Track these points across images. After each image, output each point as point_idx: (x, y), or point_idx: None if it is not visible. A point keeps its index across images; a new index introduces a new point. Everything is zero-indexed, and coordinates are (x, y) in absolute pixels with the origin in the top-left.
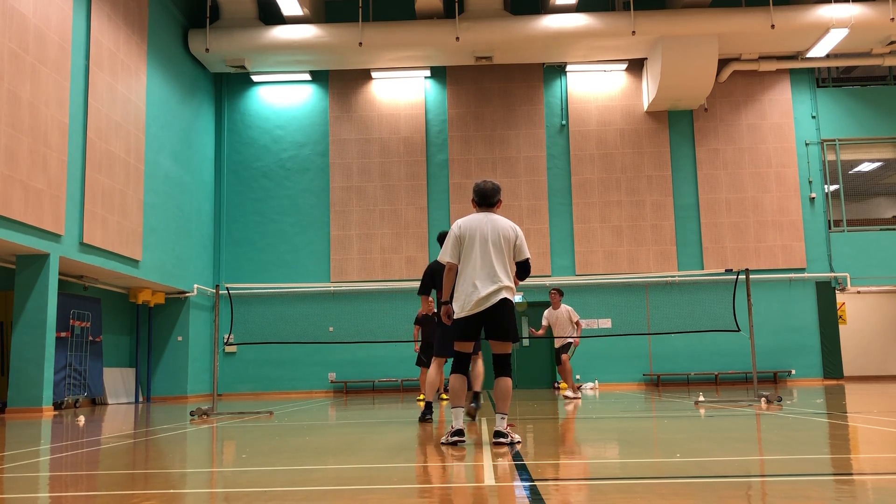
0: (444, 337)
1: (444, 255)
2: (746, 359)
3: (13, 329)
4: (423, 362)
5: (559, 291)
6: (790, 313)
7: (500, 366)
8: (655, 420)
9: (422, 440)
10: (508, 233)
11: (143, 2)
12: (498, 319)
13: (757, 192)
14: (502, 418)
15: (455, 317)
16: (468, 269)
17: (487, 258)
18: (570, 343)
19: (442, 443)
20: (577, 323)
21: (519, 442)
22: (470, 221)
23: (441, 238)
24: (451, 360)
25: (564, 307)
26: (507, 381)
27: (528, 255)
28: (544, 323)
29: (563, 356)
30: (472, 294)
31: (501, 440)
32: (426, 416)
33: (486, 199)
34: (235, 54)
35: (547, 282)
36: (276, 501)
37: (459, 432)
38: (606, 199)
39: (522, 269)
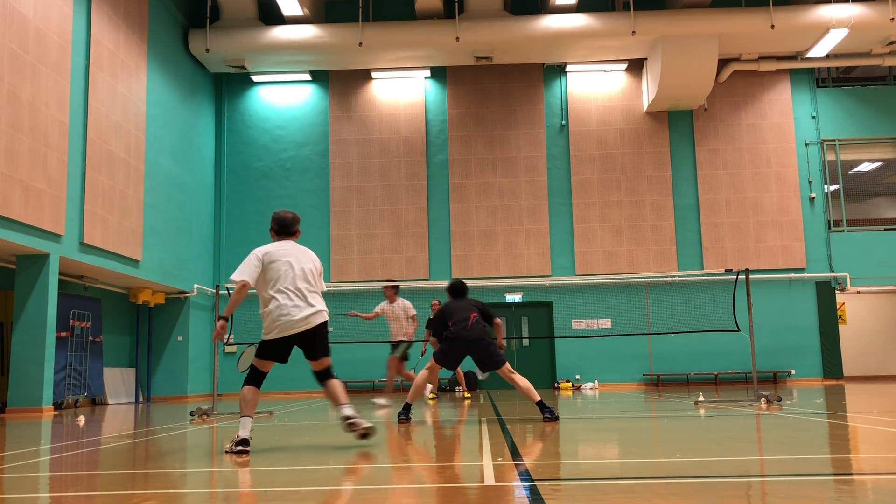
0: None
1: None
2: (746, 359)
3: (13, 329)
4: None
5: (394, 287)
6: (790, 313)
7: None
8: (655, 420)
9: (422, 440)
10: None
11: (143, 2)
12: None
13: (757, 192)
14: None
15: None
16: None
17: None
18: (403, 342)
19: (226, 451)
20: (413, 318)
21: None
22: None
23: (453, 289)
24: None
25: (402, 301)
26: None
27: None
28: (377, 310)
29: (392, 356)
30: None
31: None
32: (403, 416)
33: (287, 227)
34: (235, 54)
35: (547, 282)
36: (276, 501)
37: (244, 441)
38: (606, 199)
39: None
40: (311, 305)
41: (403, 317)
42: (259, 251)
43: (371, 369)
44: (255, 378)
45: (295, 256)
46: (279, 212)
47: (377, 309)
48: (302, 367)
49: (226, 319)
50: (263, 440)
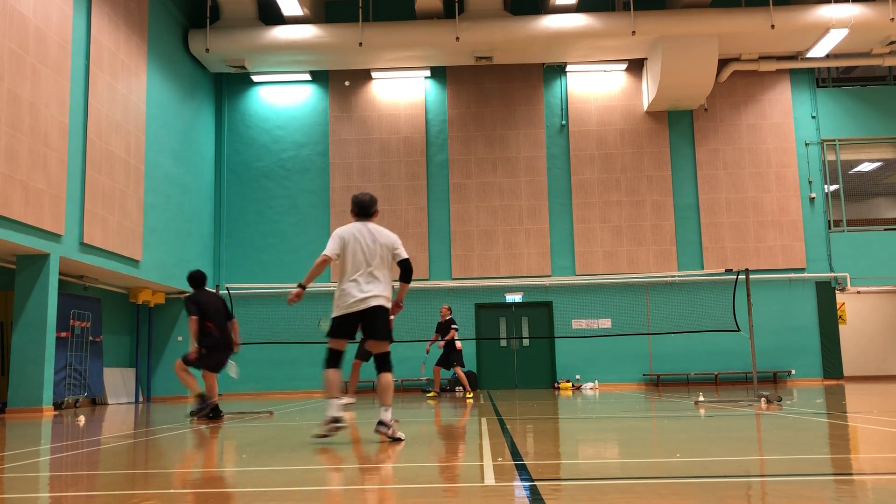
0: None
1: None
2: (746, 359)
3: (13, 329)
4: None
5: None
6: (790, 313)
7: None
8: (655, 420)
9: (422, 440)
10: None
11: (143, 2)
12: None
13: (757, 192)
14: (386, 410)
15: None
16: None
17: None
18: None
19: (319, 434)
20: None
21: (402, 439)
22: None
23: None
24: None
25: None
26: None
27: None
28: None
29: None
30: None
31: (382, 429)
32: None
33: (365, 209)
34: (235, 54)
35: (547, 282)
36: (276, 501)
37: (336, 419)
38: (606, 199)
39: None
40: (371, 288)
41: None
42: (338, 231)
43: (371, 369)
44: (333, 360)
45: (365, 240)
46: (357, 195)
47: None
48: (302, 368)
49: (303, 287)
50: (263, 440)
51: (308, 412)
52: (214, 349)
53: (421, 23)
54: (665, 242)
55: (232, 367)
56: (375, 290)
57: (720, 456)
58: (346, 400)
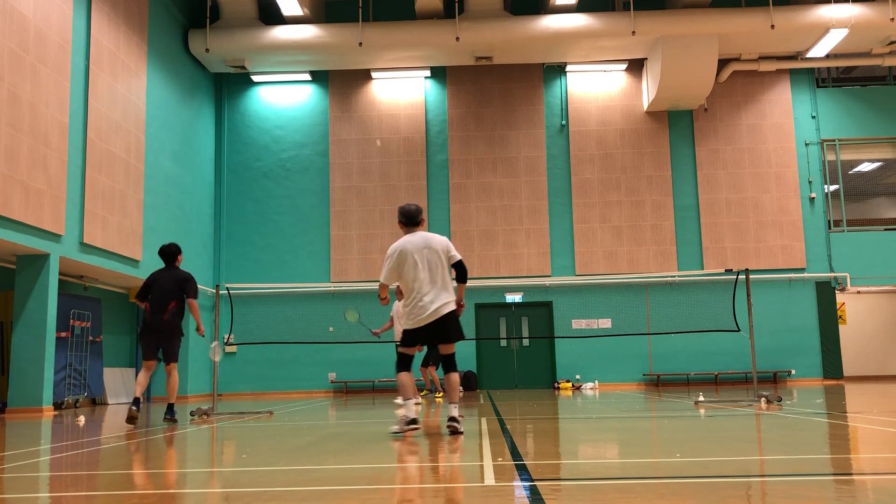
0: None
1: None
2: (746, 359)
3: (13, 329)
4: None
5: None
6: (790, 313)
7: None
8: (655, 420)
9: (421, 440)
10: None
11: (143, 2)
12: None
13: (757, 192)
14: (455, 407)
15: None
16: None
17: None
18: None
19: (395, 432)
20: None
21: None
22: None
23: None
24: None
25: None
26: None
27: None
28: (393, 314)
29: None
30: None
31: (454, 424)
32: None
33: (413, 219)
34: (235, 54)
35: (547, 282)
36: (276, 501)
37: (414, 420)
38: (606, 199)
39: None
40: (439, 298)
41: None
42: (390, 251)
43: (371, 369)
44: (404, 364)
45: (420, 249)
46: (404, 205)
47: (392, 313)
48: (302, 368)
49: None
50: (263, 440)
51: (308, 412)
52: (143, 333)
53: (421, 23)
54: (665, 242)
55: (213, 350)
56: (443, 299)
57: (720, 456)
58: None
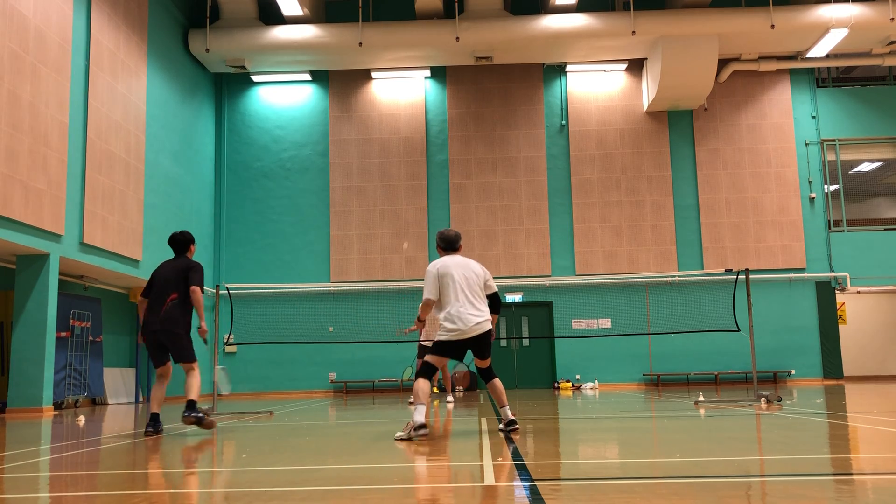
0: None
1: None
2: (746, 359)
3: (13, 329)
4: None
5: None
6: (790, 313)
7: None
8: (655, 420)
9: (421, 440)
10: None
11: (143, 2)
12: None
13: (757, 192)
14: (507, 409)
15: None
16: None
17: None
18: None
19: (400, 438)
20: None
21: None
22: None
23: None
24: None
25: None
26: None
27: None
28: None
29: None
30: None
31: (513, 427)
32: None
33: (452, 244)
34: (235, 54)
35: (547, 282)
36: (276, 501)
37: (423, 426)
38: (606, 199)
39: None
40: (479, 315)
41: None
42: (430, 268)
43: (371, 369)
44: (428, 372)
45: (461, 271)
46: (444, 231)
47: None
48: (302, 368)
49: (421, 321)
50: (263, 440)
51: (308, 412)
52: (142, 334)
53: (421, 23)
54: (665, 242)
55: (219, 377)
56: (482, 317)
57: (720, 456)
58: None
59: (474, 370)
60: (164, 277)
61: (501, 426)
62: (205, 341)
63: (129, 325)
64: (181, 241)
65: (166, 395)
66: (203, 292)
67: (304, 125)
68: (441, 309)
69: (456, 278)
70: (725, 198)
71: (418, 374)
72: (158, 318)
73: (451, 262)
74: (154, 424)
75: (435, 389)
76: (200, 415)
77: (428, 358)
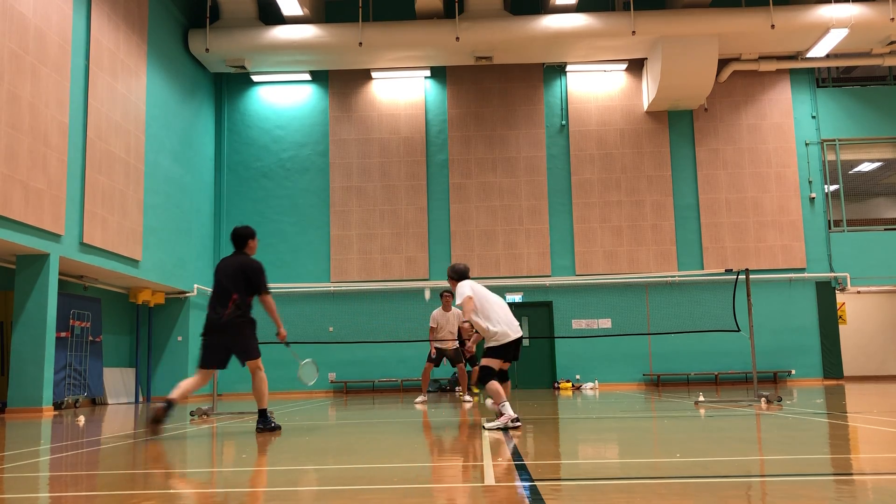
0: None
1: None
2: (746, 359)
3: (13, 329)
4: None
5: (452, 294)
6: (790, 313)
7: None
8: (655, 420)
9: (421, 440)
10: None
11: (143, 2)
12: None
13: (757, 192)
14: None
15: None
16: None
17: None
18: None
19: (489, 427)
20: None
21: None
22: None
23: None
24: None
25: (454, 310)
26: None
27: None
28: (433, 325)
29: (460, 365)
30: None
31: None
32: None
33: (464, 275)
34: (235, 54)
35: (547, 282)
36: (276, 501)
37: (517, 419)
38: (606, 199)
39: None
40: (517, 324)
41: (455, 324)
42: (467, 290)
43: (371, 369)
44: (492, 375)
45: (488, 292)
46: (454, 266)
47: (433, 324)
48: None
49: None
50: (264, 440)
51: (308, 412)
52: (204, 333)
53: (421, 23)
54: (665, 242)
55: (303, 370)
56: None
57: (720, 456)
58: (422, 398)
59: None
60: (226, 275)
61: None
62: (286, 344)
63: (129, 325)
64: (240, 236)
65: (162, 396)
66: (269, 293)
67: (304, 125)
68: (487, 320)
69: (490, 298)
70: (725, 198)
71: (483, 381)
72: (222, 320)
73: (477, 285)
74: (167, 408)
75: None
76: (273, 424)
77: (485, 362)
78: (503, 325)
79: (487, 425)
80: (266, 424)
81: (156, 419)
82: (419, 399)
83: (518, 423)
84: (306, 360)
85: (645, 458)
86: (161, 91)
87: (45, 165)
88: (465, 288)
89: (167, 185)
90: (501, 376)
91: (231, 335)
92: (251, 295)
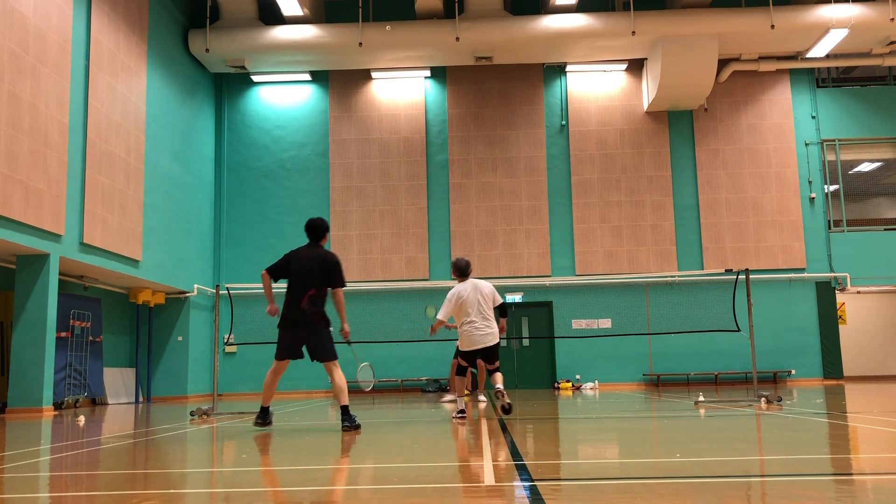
0: None
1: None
2: (746, 359)
3: (13, 329)
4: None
5: None
6: (790, 313)
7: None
8: (655, 420)
9: (421, 440)
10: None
11: (143, 2)
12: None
13: (757, 192)
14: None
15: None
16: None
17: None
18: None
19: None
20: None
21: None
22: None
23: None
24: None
25: None
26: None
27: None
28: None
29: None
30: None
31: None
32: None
33: (464, 272)
34: (235, 54)
35: (547, 282)
36: (276, 501)
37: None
38: (606, 199)
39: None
40: (487, 329)
41: None
42: (451, 294)
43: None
44: (462, 371)
45: (473, 295)
46: (456, 261)
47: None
48: (301, 369)
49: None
50: (263, 440)
51: (308, 412)
52: (282, 325)
53: (421, 23)
54: (665, 242)
55: (362, 371)
56: (490, 330)
57: (720, 456)
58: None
59: (474, 371)
60: (305, 268)
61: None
62: (349, 342)
63: (129, 325)
64: (318, 228)
65: (162, 396)
66: (344, 287)
67: (304, 125)
68: (459, 326)
69: (470, 302)
70: (725, 198)
71: (457, 373)
72: (300, 311)
73: (465, 290)
74: (264, 416)
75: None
76: (357, 422)
77: (459, 361)
78: (468, 334)
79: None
80: (351, 422)
81: (263, 424)
82: (447, 398)
83: (462, 416)
84: (364, 363)
85: (645, 458)
86: (161, 91)
87: (45, 165)
88: (446, 303)
89: (167, 185)
90: (495, 370)
91: (308, 332)
92: (326, 288)
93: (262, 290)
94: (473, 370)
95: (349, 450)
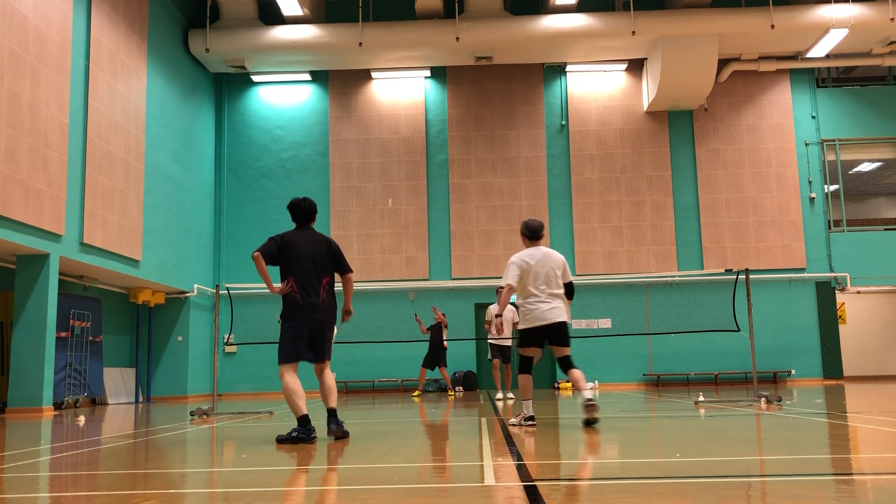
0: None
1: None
2: (746, 359)
3: (13, 329)
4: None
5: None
6: (790, 313)
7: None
8: (655, 420)
9: (421, 440)
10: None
11: (143, 2)
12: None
13: (757, 192)
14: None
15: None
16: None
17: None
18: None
19: (512, 424)
20: (516, 324)
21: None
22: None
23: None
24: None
25: (510, 308)
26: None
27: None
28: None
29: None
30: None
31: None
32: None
33: (536, 233)
34: (235, 54)
35: None
36: (276, 501)
37: (532, 417)
38: (606, 199)
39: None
40: (555, 305)
41: (512, 321)
42: (514, 259)
43: (371, 369)
44: (525, 366)
45: (541, 262)
46: (528, 221)
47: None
48: (302, 368)
49: (499, 316)
50: (263, 440)
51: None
52: (294, 319)
53: (421, 23)
54: (665, 242)
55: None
56: (559, 306)
57: (720, 456)
58: (500, 395)
59: (474, 371)
60: (311, 255)
61: (582, 412)
62: (344, 321)
63: (129, 325)
64: (308, 211)
65: (162, 396)
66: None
67: (304, 125)
68: (522, 299)
69: (538, 271)
70: (725, 198)
71: (519, 370)
72: (319, 305)
73: (532, 256)
74: (310, 428)
75: (416, 394)
76: (345, 428)
77: (520, 351)
78: (531, 309)
79: (510, 421)
80: (339, 426)
81: (285, 440)
82: (499, 396)
83: (530, 423)
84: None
85: (645, 458)
86: (161, 91)
87: (45, 165)
88: (509, 268)
89: (167, 185)
90: (566, 365)
91: (322, 327)
92: (334, 277)
93: (259, 291)
94: (510, 362)
95: (349, 449)
